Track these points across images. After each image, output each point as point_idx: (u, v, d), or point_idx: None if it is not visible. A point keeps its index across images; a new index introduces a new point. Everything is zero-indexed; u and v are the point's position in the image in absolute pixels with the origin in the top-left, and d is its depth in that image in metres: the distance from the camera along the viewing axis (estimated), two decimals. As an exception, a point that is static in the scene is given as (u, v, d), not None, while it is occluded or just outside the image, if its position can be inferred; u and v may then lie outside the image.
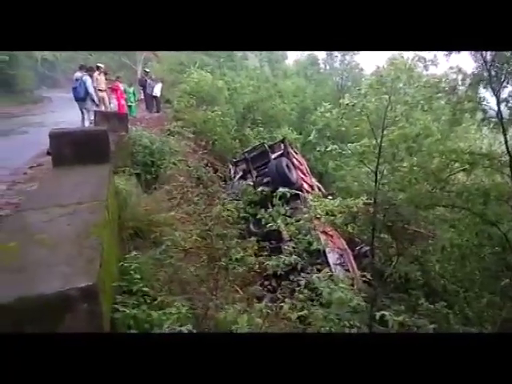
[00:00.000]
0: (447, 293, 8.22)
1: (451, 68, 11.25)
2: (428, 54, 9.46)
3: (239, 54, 32.20)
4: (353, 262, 9.40)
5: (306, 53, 38.39)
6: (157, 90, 16.43)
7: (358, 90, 8.71)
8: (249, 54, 38.07)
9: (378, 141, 8.08)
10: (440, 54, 9.67)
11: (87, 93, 9.43)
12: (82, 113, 9.64)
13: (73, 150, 3.89)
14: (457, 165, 8.38)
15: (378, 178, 8.06)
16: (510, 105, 9.25)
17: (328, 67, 33.60)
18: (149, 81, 16.44)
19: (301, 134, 18.87)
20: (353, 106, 8.21)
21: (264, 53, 39.06)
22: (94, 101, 9.81)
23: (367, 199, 7.91)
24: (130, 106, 14.38)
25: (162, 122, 12.70)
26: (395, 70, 8.65)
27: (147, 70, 17.79)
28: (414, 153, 9.45)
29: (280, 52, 41.97)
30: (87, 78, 9.49)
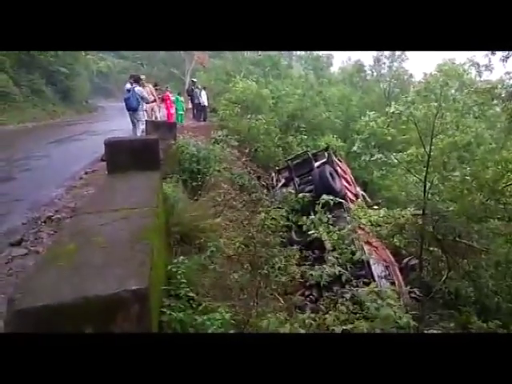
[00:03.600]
0: (501, 312, 7.69)
1: (508, 73, 10.63)
2: (482, 59, 9.09)
3: (284, 62, 32.36)
4: (399, 275, 9.07)
5: (353, 60, 37.91)
6: (204, 100, 16.95)
7: (405, 97, 8.45)
8: (294, 62, 38.17)
9: (427, 149, 7.79)
10: (495, 59, 9.24)
11: (139, 103, 9.82)
12: (133, 122, 10.07)
13: (126, 157, 4.09)
14: (514, 175, 7.85)
15: (427, 187, 7.77)
16: None
17: (375, 74, 32.90)
18: (195, 90, 17.01)
19: (345, 142, 18.56)
20: (399, 114, 7.99)
21: (309, 61, 39.02)
22: (145, 110, 10.22)
23: (415, 210, 7.62)
24: (178, 115, 14.92)
25: (208, 131, 13.03)
26: (445, 76, 8.33)
27: (194, 80, 18.44)
28: (466, 162, 8.99)
29: (325, 60, 41.77)
30: (139, 89, 9.88)
